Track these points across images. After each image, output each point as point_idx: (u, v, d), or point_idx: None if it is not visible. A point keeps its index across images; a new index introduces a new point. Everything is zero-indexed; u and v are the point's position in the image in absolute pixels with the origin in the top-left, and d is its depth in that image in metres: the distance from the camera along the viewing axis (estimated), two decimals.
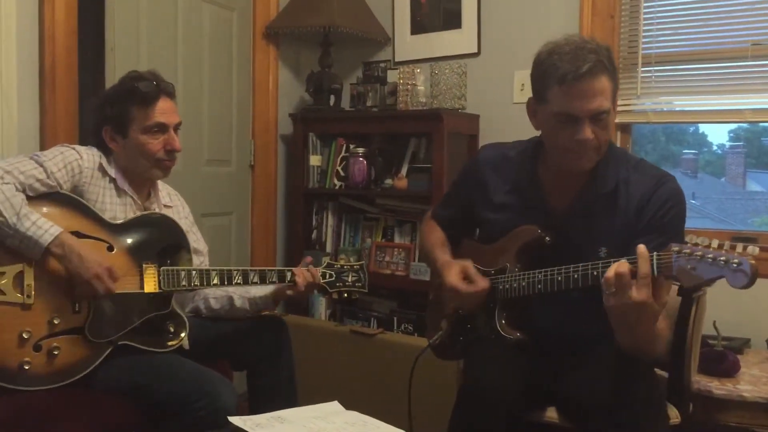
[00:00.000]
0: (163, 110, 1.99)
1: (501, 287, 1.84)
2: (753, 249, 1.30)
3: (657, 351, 1.64)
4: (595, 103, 1.63)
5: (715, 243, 1.34)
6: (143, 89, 1.96)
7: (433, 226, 2.10)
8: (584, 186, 1.78)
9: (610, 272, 1.48)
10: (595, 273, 1.59)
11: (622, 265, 1.48)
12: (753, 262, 1.30)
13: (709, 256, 1.34)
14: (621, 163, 1.78)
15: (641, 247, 1.47)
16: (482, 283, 1.83)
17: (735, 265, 1.30)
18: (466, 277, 1.84)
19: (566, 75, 1.62)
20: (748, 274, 1.29)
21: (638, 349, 1.61)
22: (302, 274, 2.10)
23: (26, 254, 1.79)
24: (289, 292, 2.13)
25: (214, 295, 2.18)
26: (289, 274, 2.11)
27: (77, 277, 1.80)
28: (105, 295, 1.83)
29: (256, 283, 2.08)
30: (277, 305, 2.20)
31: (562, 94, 1.65)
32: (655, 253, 1.45)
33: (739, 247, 1.31)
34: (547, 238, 1.79)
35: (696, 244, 1.37)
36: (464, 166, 2.07)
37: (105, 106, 2.00)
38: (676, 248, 1.40)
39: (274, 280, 2.09)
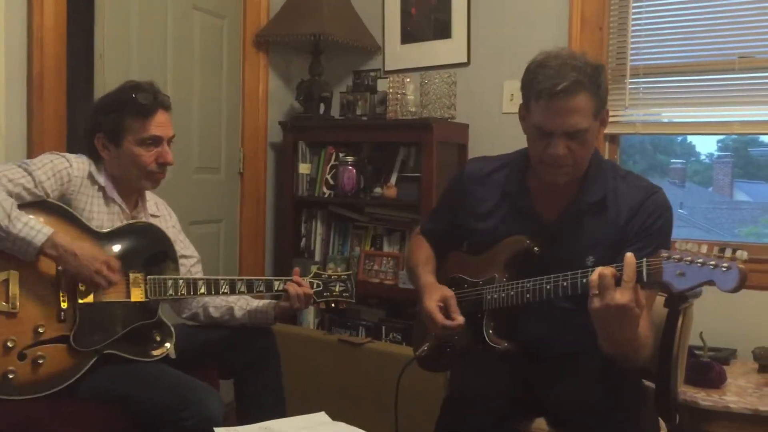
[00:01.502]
0: (159, 123, 1.98)
1: (489, 297, 1.84)
2: (741, 253, 1.31)
3: (640, 357, 1.64)
4: (569, 121, 1.65)
5: (704, 249, 1.36)
6: (141, 101, 1.95)
7: (421, 242, 2.09)
8: (573, 196, 1.79)
9: (594, 274, 1.49)
10: (584, 281, 1.60)
11: (606, 269, 1.48)
12: (742, 266, 1.30)
13: (699, 260, 1.35)
14: (609, 174, 1.80)
15: (628, 254, 1.48)
16: (459, 319, 1.82)
17: (724, 269, 1.31)
18: (445, 308, 1.84)
19: (543, 91, 1.65)
20: (737, 278, 1.30)
21: (622, 355, 1.61)
22: (293, 287, 2.09)
23: (20, 256, 1.78)
24: (284, 304, 2.12)
25: (215, 304, 2.17)
26: (276, 284, 2.10)
27: (78, 276, 1.81)
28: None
29: (243, 292, 2.07)
30: (278, 320, 2.18)
31: (539, 109, 1.68)
32: (645, 259, 1.46)
33: (728, 252, 1.32)
34: (536, 249, 1.79)
35: (685, 251, 1.38)
36: (450, 181, 2.08)
37: (100, 114, 1.99)
38: (666, 254, 1.41)
39: (261, 289, 2.08)
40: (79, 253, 1.80)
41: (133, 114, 1.95)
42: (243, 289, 2.06)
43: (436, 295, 1.86)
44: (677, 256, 1.38)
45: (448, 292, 1.87)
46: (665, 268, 1.41)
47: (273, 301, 2.16)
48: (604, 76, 1.70)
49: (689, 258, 1.36)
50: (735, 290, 1.31)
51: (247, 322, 2.16)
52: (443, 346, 1.92)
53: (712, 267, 1.32)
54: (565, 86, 1.62)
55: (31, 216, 1.79)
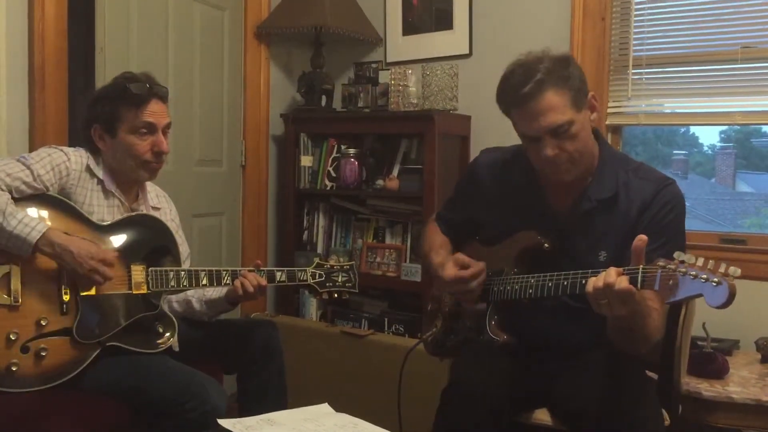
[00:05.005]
0: (152, 111, 1.98)
1: (495, 289, 1.84)
2: (735, 270, 1.30)
3: (652, 340, 1.67)
4: (545, 120, 1.64)
5: (700, 261, 1.35)
6: (135, 90, 1.95)
7: (435, 229, 2.09)
8: (584, 190, 1.78)
9: (589, 287, 1.50)
10: (583, 282, 1.59)
11: (599, 280, 1.48)
12: (732, 283, 1.30)
13: (692, 273, 1.35)
14: (621, 167, 1.79)
15: (611, 270, 1.48)
16: (480, 263, 1.83)
17: (714, 284, 1.31)
18: (462, 266, 1.84)
19: (512, 101, 1.67)
20: (726, 294, 1.30)
21: (632, 337, 1.65)
22: (240, 280, 2.05)
23: (16, 253, 1.78)
24: (232, 294, 2.10)
25: (177, 299, 2.17)
26: (279, 274, 2.11)
27: (73, 272, 1.81)
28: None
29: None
30: (235, 306, 2.19)
31: (517, 117, 1.70)
32: (641, 266, 1.46)
33: (722, 267, 1.32)
34: (546, 245, 1.78)
35: (682, 261, 1.37)
36: (464, 171, 2.08)
37: (96, 105, 2.00)
38: (662, 263, 1.42)
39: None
40: (75, 250, 1.79)
41: (126, 104, 1.96)
42: (229, 280, 2.05)
43: (449, 264, 1.86)
44: (672, 266, 1.39)
45: (456, 254, 1.88)
46: (659, 277, 1.41)
47: (225, 288, 2.12)
48: (573, 66, 1.69)
49: (683, 270, 1.36)
50: (722, 306, 1.31)
51: (207, 312, 2.16)
52: (449, 332, 1.95)
53: (703, 281, 1.32)
54: (527, 90, 1.63)
55: (26, 213, 1.78)
